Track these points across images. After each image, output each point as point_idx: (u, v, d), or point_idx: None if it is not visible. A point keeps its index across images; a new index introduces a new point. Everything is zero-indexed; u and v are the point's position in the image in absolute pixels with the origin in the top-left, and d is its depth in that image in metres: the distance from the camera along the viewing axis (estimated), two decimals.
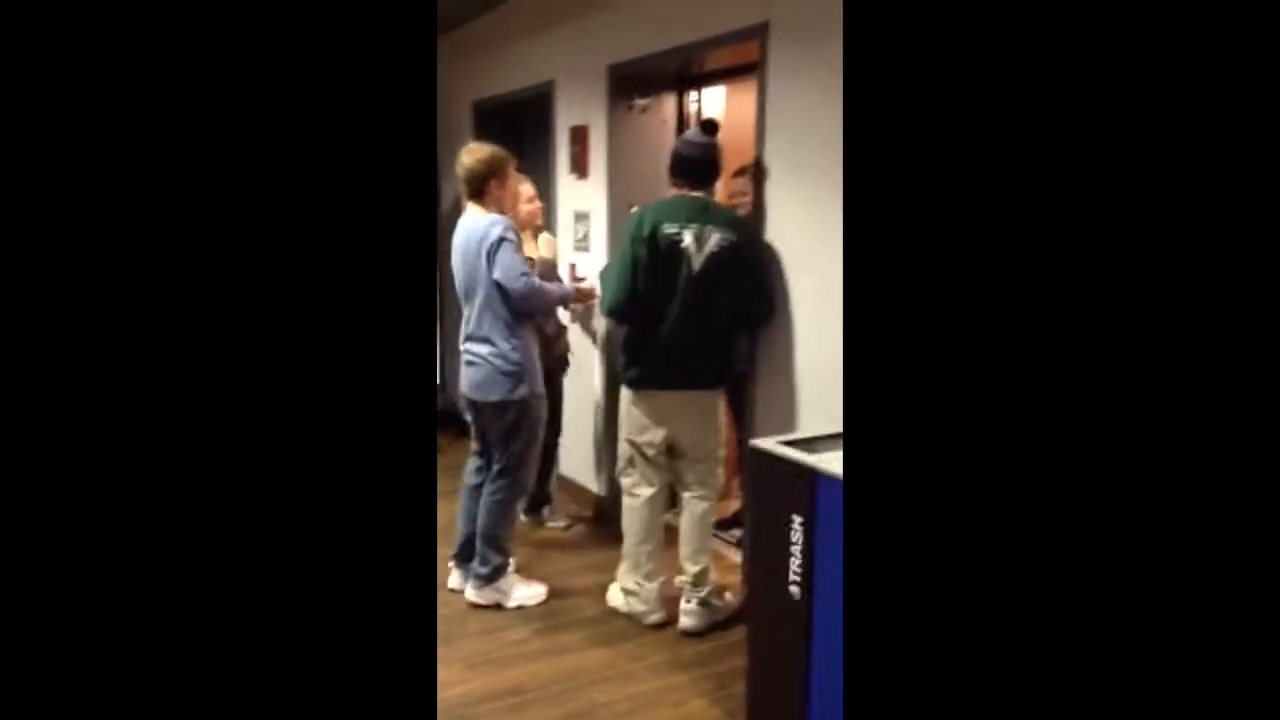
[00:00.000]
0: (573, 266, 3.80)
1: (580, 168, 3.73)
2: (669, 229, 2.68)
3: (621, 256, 2.75)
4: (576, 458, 3.97)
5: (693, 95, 3.67)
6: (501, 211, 2.95)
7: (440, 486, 4.12)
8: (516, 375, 2.88)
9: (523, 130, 4.30)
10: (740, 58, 3.46)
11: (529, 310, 2.93)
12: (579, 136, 3.72)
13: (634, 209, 3.57)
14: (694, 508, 2.92)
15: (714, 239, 2.69)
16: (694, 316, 2.72)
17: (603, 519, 3.81)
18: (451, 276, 3.00)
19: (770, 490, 2.06)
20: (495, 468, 2.99)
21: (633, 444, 2.89)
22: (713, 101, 3.72)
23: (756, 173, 2.93)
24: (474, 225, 2.87)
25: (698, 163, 2.78)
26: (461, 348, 2.97)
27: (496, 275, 2.80)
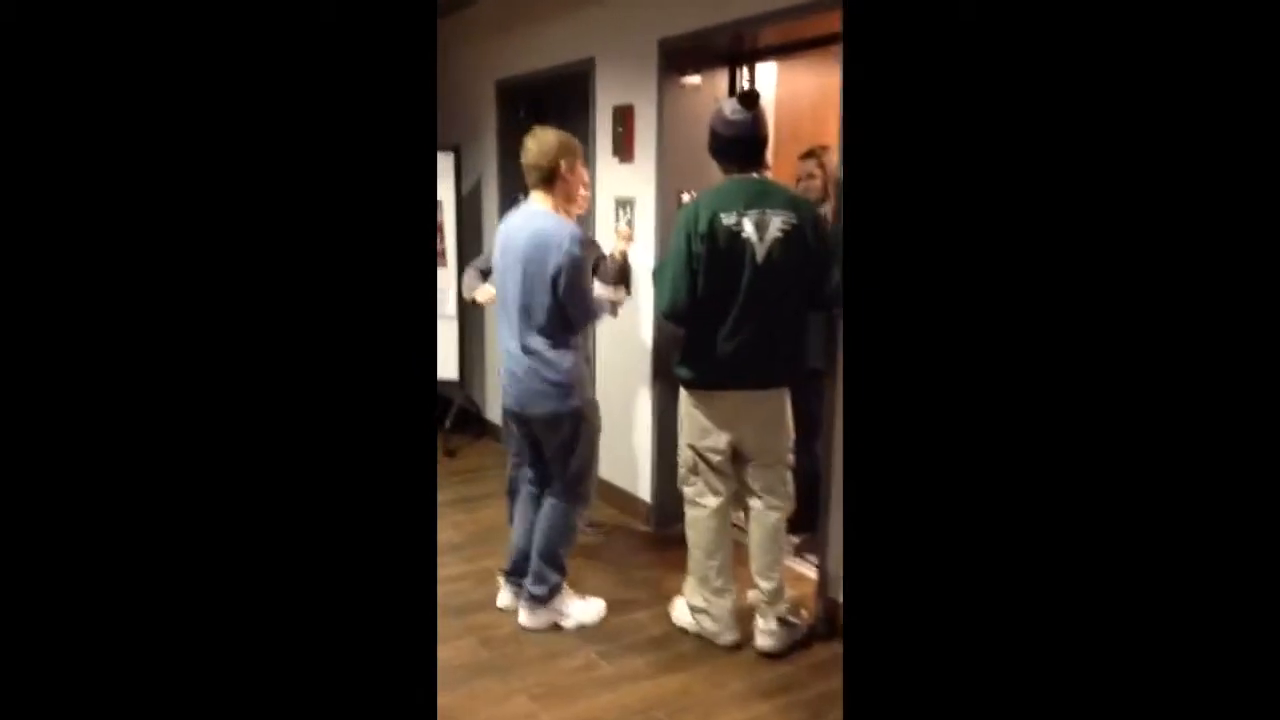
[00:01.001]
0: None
1: (625, 150, 3.47)
2: (726, 219, 2.44)
3: (676, 254, 2.49)
4: (620, 462, 3.72)
5: (744, 73, 3.42)
6: (570, 200, 2.73)
7: (455, 494, 3.94)
8: (565, 386, 2.63)
9: (551, 111, 4.04)
10: (793, 34, 3.23)
11: (581, 328, 2.71)
12: (623, 117, 3.47)
13: (685, 196, 3.33)
14: (765, 519, 2.69)
15: (776, 223, 2.46)
16: (760, 310, 2.49)
17: (652, 526, 3.58)
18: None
19: None
20: (556, 484, 2.75)
21: (695, 450, 2.66)
22: (765, 79, 3.48)
23: (837, 197, 2.69)
24: (539, 224, 2.60)
25: (738, 141, 2.52)
26: (503, 351, 2.71)
27: (564, 298, 2.56)
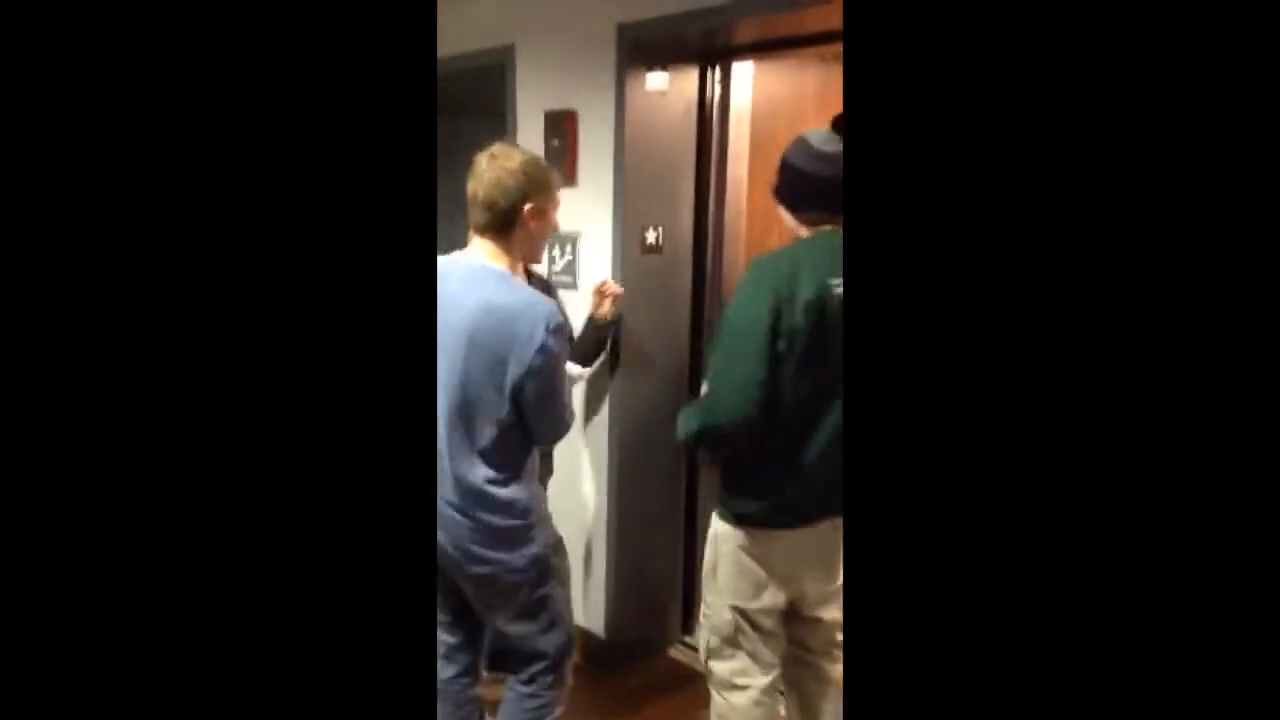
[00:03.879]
0: None
1: (564, 170, 2.59)
2: (837, 288, 1.64)
3: (751, 339, 1.61)
4: None
5: (716, 74, 2.64)
6: (533, 258, 1.85)
7: None
8: (522, 531, 1.75)
9: (444, 115, 3.09)
10: (772, 30, 2.50)
11: (546, 442, 1.84)
12: (562, 126, 2.60)
13: (649, 234, 2.51)
14: (830, 674, 1.95)
15: (837, 288, 1.69)
16: (840, 406, 1.71)
17: (601, 665, 2.71)
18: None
19: None
20: (526, 670, 1.83)
21: (742, 614, 1.83)
22: (739, 82, 2.70)
23: None
24: (497, 296, 1.68)
25: (834, 184, 1.70)
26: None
27: (531, 408, 1.68)
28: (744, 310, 1.65)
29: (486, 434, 1.69)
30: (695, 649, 2.81)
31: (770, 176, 2.85)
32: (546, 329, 1.64)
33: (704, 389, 1.73)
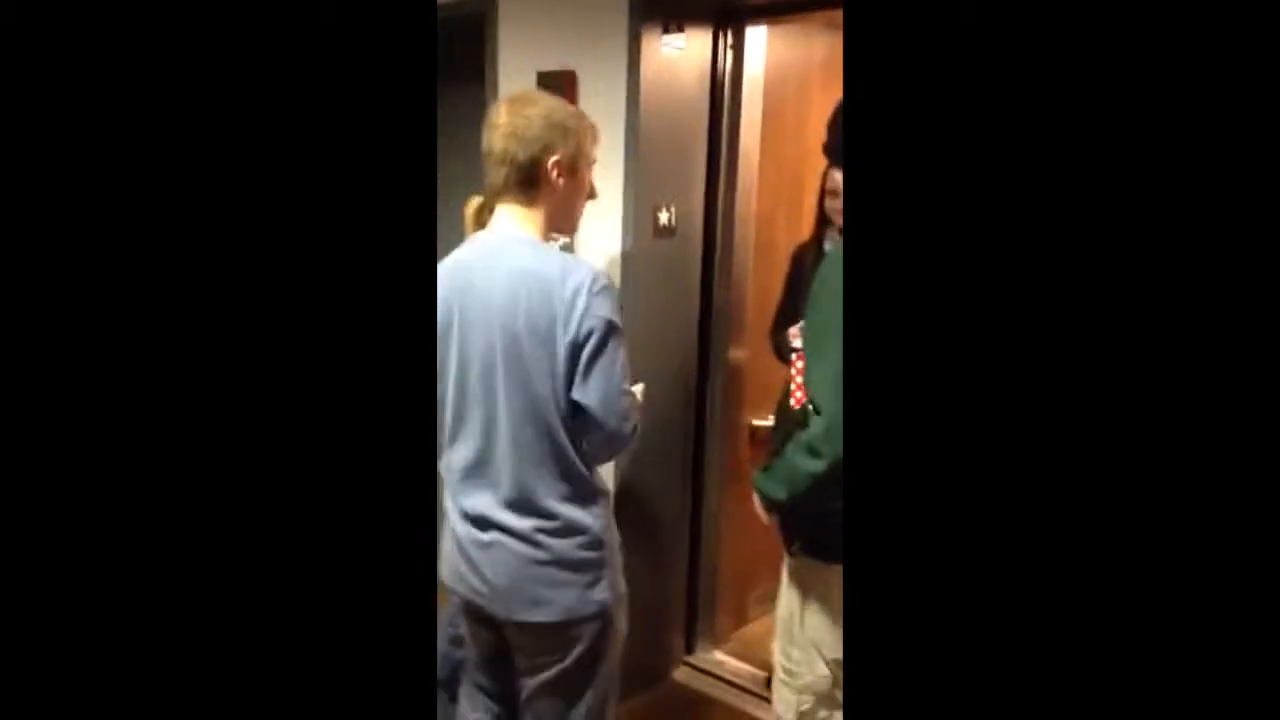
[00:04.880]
0: None
1: None
2: None
3: (840, 324, 1.32)
4: None
5: (729, 38, 2.36)
6: (569, 225, 1.55)
7: None
8: (595, 565, 1.46)
9: None
10: None
11: (606, 458, 1.54)
12: (559, 90, 2.27)
13: (663, 215, 2.22)
14: None
15: None
16: None
17: None
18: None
19: None
20: None
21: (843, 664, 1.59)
22: (753, 47, 2.43)
23: None
24: (528, 261, 1.39)
25: None
26: (459, 503, 1.47)
27: (588, 398, 1.37)
28: (830, 297, 1.37)
29: (549, 437, 1.39)
30: (701, 670, 2.59)
31: (784, 145, 2.58)
32: (590, 291, 1.35)
33: (814, 421, 1.41)
